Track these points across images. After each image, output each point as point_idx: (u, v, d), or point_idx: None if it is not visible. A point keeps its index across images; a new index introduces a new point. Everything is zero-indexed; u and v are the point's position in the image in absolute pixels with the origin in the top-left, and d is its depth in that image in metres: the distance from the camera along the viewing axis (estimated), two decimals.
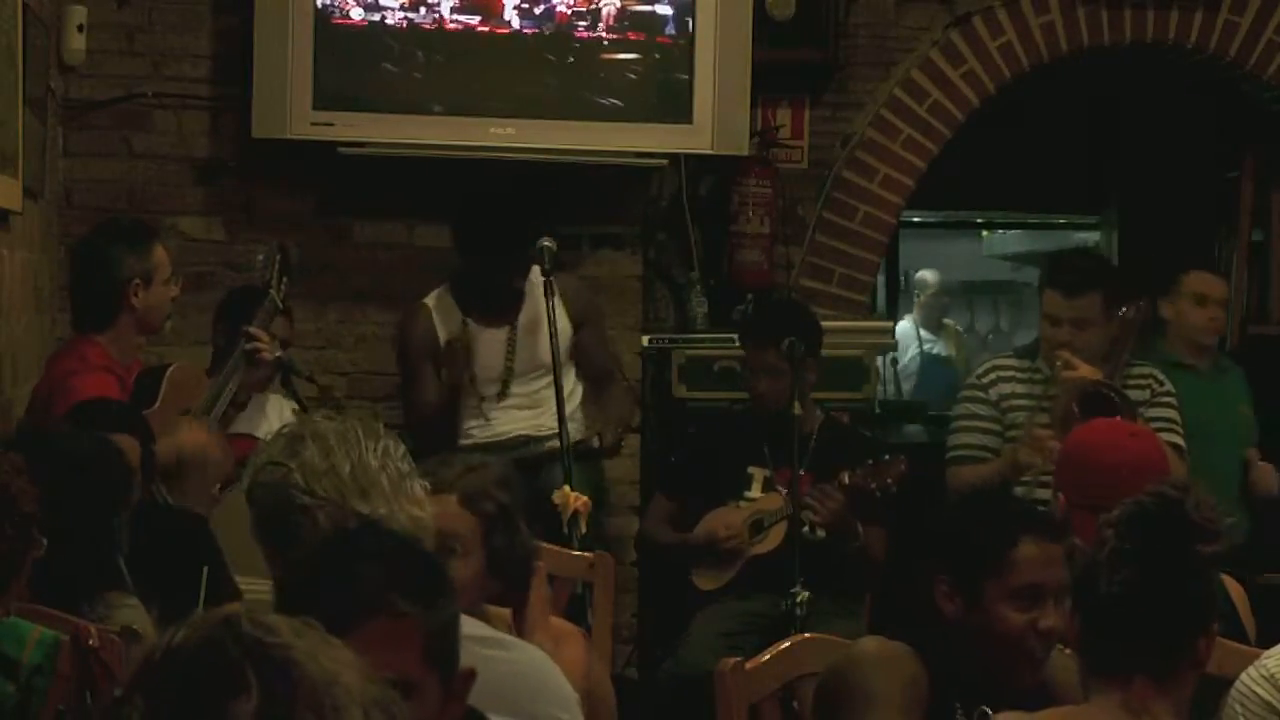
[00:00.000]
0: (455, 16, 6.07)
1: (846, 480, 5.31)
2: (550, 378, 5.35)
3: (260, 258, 5.20)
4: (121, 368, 4.80)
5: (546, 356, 5.37)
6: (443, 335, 5.57)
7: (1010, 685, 3.12)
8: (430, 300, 5.66)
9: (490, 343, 5.56)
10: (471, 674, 2.28)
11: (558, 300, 5.43)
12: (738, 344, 5.68)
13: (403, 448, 2.85)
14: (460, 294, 5.62)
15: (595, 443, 5.65)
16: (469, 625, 2.88)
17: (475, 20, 6.07)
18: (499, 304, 5.56)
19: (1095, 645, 2.78)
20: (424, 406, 5.59)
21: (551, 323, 5.29)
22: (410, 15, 6.04)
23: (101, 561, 3.50)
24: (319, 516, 2.72)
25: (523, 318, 5.57)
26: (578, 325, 5.64)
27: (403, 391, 5.80)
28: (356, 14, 6.02)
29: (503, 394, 5.56)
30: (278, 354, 5.09)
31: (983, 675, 3.15)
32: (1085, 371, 5.06)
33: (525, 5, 6.10)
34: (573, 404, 5.54)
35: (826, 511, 5.28)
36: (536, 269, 5.52)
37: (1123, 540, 2.78)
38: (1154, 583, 2.74)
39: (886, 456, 5.38)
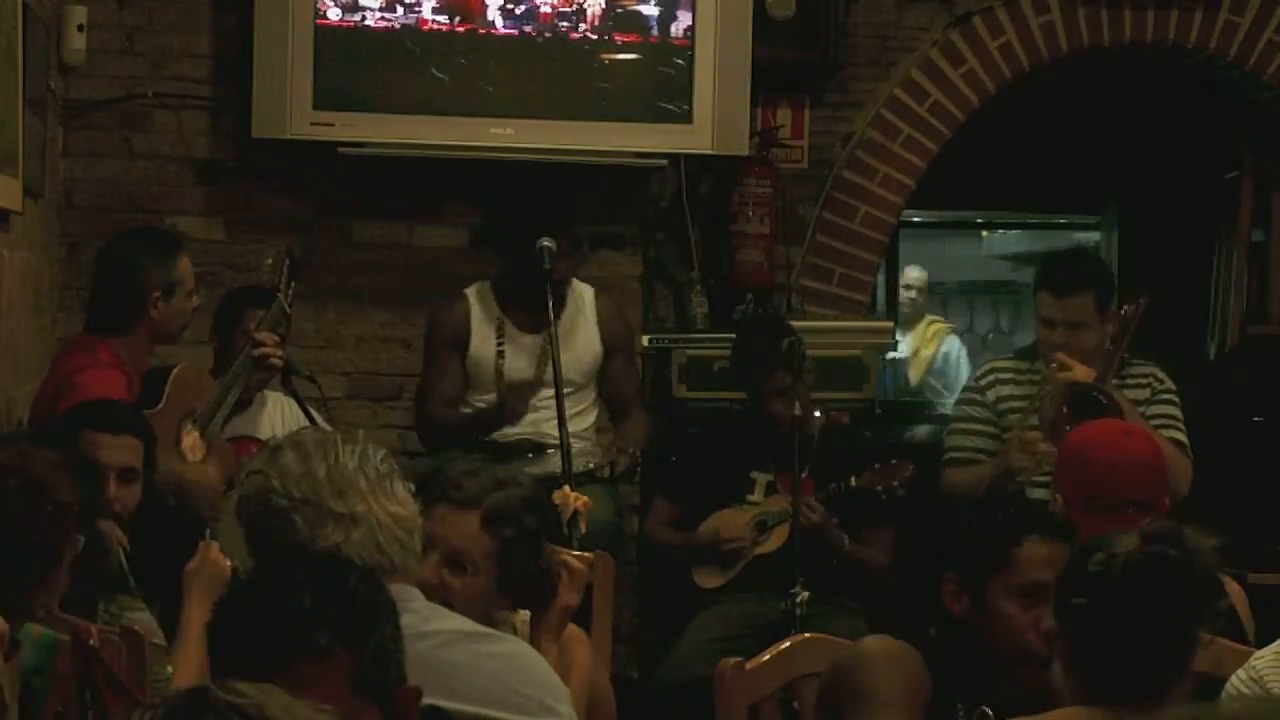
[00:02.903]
0: (435, 18, 6.05)
1: (853, 482, 5.31)
2: (568, 393, 5.40)
3: (269, 261, 5.20)
4: (132, 369, 4.80)
5: (574, 374, 5.44)
6: (476, 329, 5.56)
7: (1012, 685, 3.12)
8: (471, 291, 5.67)
9: (523, 349, 5.55)
10: (415, 691, 2.29)
11: (593, 320, 5.55)
12: (750, 374, 5.61)
13: (382, 452, 2.87)
14: (500, 292, 5.62)
15: (605, 473, 5.62)
16: (456, 620, 2.90)
17: (456, 20, 6.06)
18: (537, 301, 5.45)
19: (1086, 667, 2.80)
20: (437, 395, 5.56)
21: (551, 325, 5.29)
22: (403, 16, 6.04)
23: (97, 566, 3.51)
24: (296, 519, 2.75)
25: (560, 329, 5.52)
26: (609, 351, 5.64)
27: (421, 379, 5.78)
28: (355, 15, 6.02)
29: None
30: (281, 355, 5.09)
31: (986, 675, 3.16)
32: (1080, 372, 5.06)
33: (509, 6, 6.09)
34: (584, 423, 5.54)
35: (806, 523, 5.27)
36: (586, 288, 5.62)
37: (1117, 596, 2.77)
38: (1149, 641, 2.75)
39: (894, 460, 5.38)
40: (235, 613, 2.29)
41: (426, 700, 2.63)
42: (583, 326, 5.58)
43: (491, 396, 5.53)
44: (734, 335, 5.78)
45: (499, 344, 5.57)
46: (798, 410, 5.23)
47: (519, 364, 5.55)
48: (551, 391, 5.42)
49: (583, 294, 5.67)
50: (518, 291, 5.57)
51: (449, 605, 2.99)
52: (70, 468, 3.09)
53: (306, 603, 2.24)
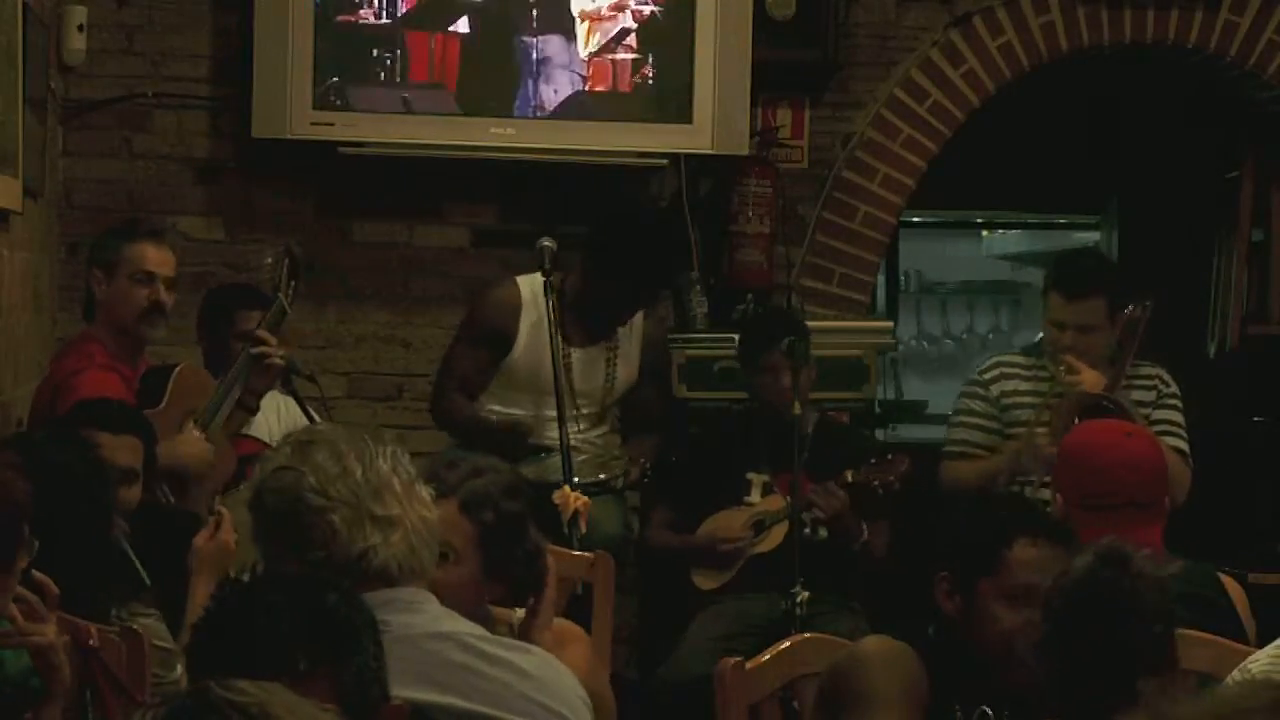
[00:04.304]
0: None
1: (850, 478, 5.31)
2: (591, 410, 5.41)
3: (269, 261, 5.19)
4: (126, 366, 4.81)
5: (612, 396, 5.47)
6: (525, 330, 5.42)
7: (1007, 685, 3.13)
8: (524, 285, 5.45)
9: (583, 363, 5.48)
10: (401, 710, 2.28)
11: (638, 340, 5.54)
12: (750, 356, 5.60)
13: (408, 454, 2.86)
14: (561, 302, 5.37)
15: (619, 483, 5.60)
16: (473, 626, 2.90)
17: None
18: (597, 330, 5.46)
19: (1051, 676, 2.85)
20: (457, 379, 5.49)
21: (551, 324, 5.28)
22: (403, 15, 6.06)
23: (112, 568, 3.50)
24: (334, 519, 2.73)
25: (615, 349, 5.53)
26: (644, 373, 5.61)
27: (446, 354, 5.65)
28: (355, 14, 6.03)
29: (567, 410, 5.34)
30: (282, 356, 5.08)
31: (983, 675, 3.16)
32: (1089, 377, 5.06)
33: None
34: (600, 429, 5.53)
35: (830, 509, 5.29)
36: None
37: (1059, 620, 2.84)
38: (1091, 661, 2.80)
39: (890, 455, 5.38)
40: (213, 635, 2.27)
41: (435, 696, 2.63)
42: (629, 351, 5.55)
43: (523, 399, 5.44)
44: (740, 332, 5.78)
45: (566, 356, 5.41)
46: (797, 410, 5.24)
47: (576, 379, 5.47)
48: (589, 408, 5.42)
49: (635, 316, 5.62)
50: (585, 313, 5.45)
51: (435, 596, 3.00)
52: (20, 469, 3.05)
53: (285, 625, 2.22)
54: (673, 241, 5.89)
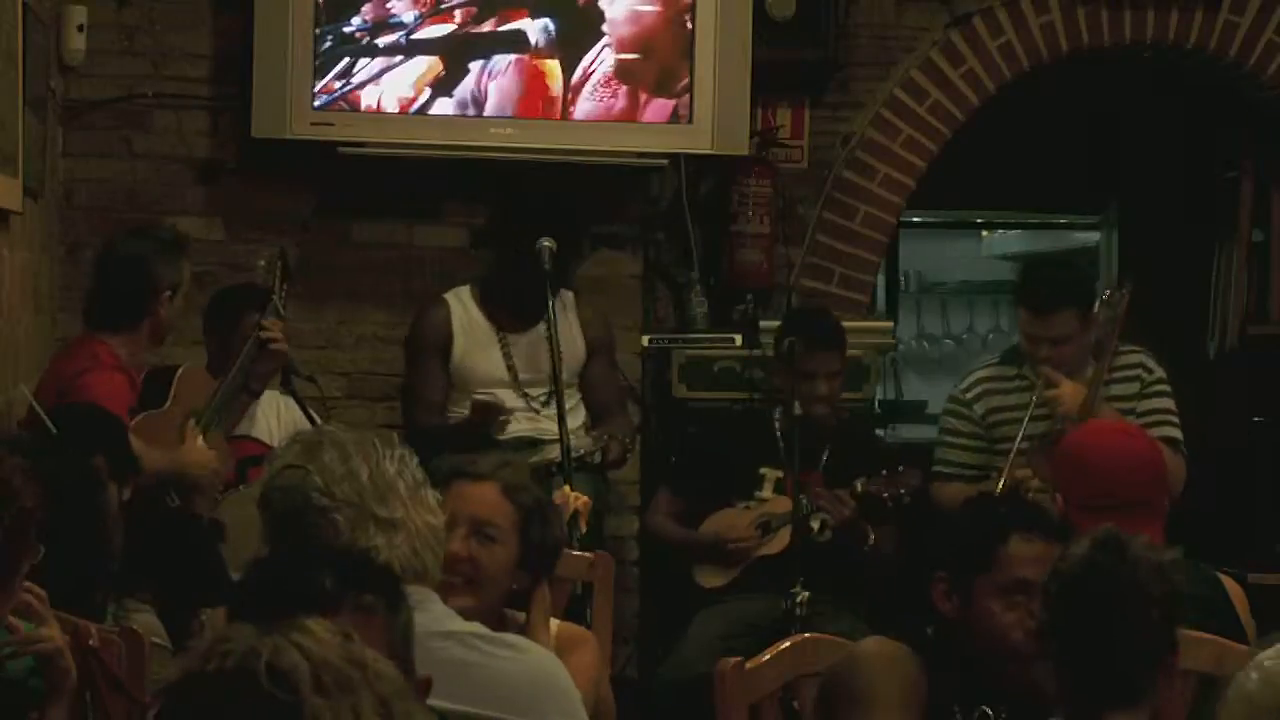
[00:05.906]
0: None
1: (860, 488, 5.33)
2: (550, 390, 5.45)
3: (262, 263, 5.21)
4: (132, 368, 4.81)
5: (564, 373, 5.48)
6: (460, 333, 5.65)
7: (1001, 685, 3.13)
8: (450, 296, 5.74)
9: (521, 349, 5.63)
10: (427, 681, 2.30)
11: (575, 321, 5.65)
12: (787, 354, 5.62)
13: (416, 459, 2.89)
14: (488, 293, 5.69)
15: (596, 458, 5.62)
16: (472, 625, 2.91)
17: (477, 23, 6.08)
18: (526, 304, 5.56)
19: (1057, 668, 2.85)
20: (424, 401, 5.63)
21: (552, 324, 5.31)
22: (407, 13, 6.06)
23: (100, 569, 3.51)
24: (338, 519, 2.75)
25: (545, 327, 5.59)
26: (591, 352, 5.69)
27: (405, 383, 5.82)
28: (355, 13, 6.03)
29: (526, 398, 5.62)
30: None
31: (981, 675, 3.16)
32: (1067, 389, 5.03)
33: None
34: (575, 420, 5.56)
35: (838, 518, 5.33)
36: (566, 291, 5.68)
37: (1058, 607, 2.83)
38: (1090, 648, 2.79)
39: (901, 467, 5.39)
40: (271, 577, 2.29)
41: (438, 701, 2.64)
42: (567, 327, 5.62)
43: (479, 398, 5.54)
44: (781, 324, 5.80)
45: (503, 346, 5.64)
46: (797, 410, 5.26)
47: (520, 364, 5.60)
48: (540, 390, 5.46)
49: (564, 295, 5.72)
50: (510, 291, 5.62)
51: (478, 580, 3.07)
52: (29, 474, 3.05)
53: (339, 570, 2.26)
54: (550, 195, 5.90)
